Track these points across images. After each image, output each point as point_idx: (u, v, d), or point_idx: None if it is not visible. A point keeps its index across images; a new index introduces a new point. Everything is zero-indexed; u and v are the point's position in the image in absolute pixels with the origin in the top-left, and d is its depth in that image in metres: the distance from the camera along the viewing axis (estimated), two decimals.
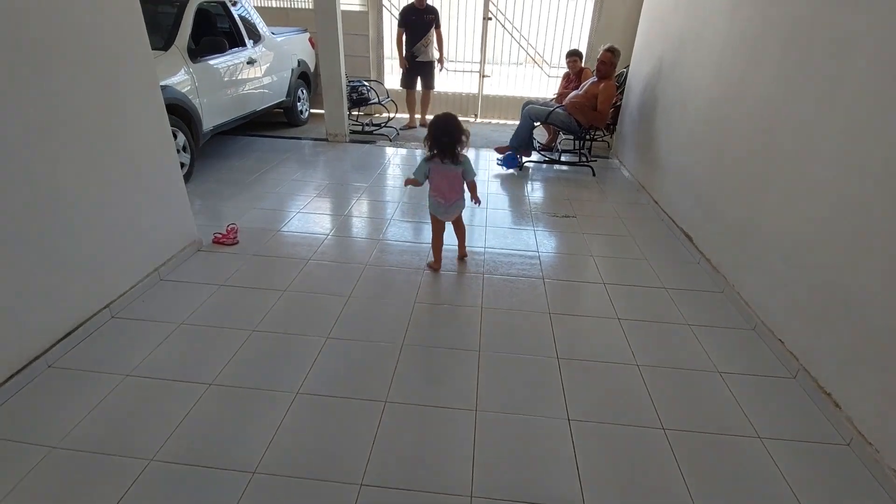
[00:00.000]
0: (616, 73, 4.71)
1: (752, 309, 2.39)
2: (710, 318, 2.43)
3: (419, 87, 5.97)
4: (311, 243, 3.00)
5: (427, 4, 5.53)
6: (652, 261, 3.00)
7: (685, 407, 1.86)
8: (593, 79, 4.54)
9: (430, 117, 6.26)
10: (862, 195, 1.76)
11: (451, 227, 2.82)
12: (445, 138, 2.41)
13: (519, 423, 1.75)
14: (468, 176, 2.58)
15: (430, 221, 2.78)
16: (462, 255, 2.88)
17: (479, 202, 2.70)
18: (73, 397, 1.77)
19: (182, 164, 3.54)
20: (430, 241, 2.82)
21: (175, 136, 3.47)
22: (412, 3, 5.53)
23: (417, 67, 5.77)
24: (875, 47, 1.76)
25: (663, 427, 1.76)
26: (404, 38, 5.62)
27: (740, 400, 1.90)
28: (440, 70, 5.98)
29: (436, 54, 5.79)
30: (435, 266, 2.76)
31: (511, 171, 4.71)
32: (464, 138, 2.44)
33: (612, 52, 4.33)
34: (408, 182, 2.59)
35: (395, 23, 6.59)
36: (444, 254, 2.80)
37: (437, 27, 5.66)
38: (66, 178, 1.95)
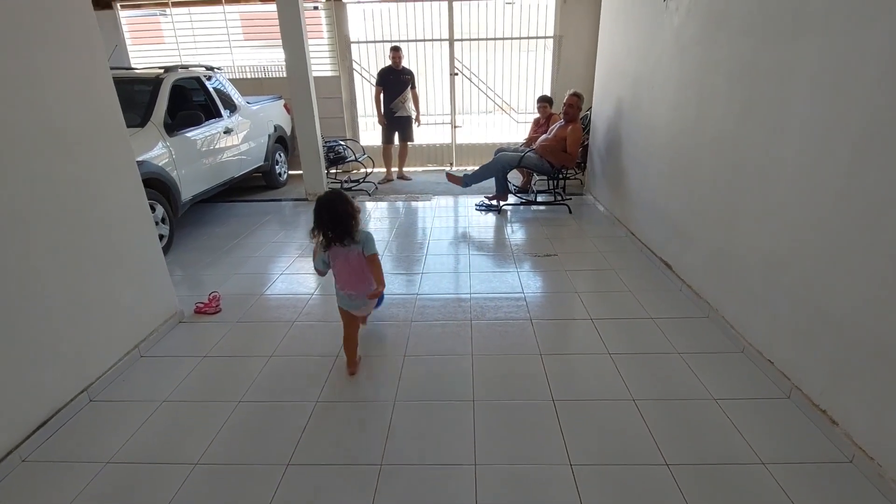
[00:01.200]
0: (581, 115, 4.95)
1: (737, 331, 2.41)
2: (698, 345, 2.44)
3: (397, 141, 6.23)
4: (296, 304, 2.97)
5: (403, 66, 5.96)
6: (636, 292, 3.03)
7: (685, 439, 1.84)
8: (561, 122, 4.76)
9: (407, 170, 6.48)
10: (825, 211, 1.84)
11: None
12: (332, 223, 2.06)
13: (520, 475, 1.70)
14: (367, 251, 2.14)
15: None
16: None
17: (381, 293, 2.23)
18: (50, 493, 1.67)
19: (161, 236, 3.53)
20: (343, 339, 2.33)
21: (153, 209, 3.49)
22: (390, 65, 5.90)
23: (396, 122, 6.07)
24: (812, 72, 1.90)
25: (666, 462, 1.72)
26: (382, 96, 5.94)
27: (739, 426, 1.89)
28: (417, 125, 6.34)
29: (413, 110, 6.15)
30: (351, 370, 2.27)
31: (490, 213, 4.81)
32: (351, 210, 2.10)
33: (577, 97, 4.58)
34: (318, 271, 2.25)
35: (366, 84, 6.89)
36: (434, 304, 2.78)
37: (413, 87, 6.08)
38: (38, 259, 1.92)
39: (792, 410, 1.97)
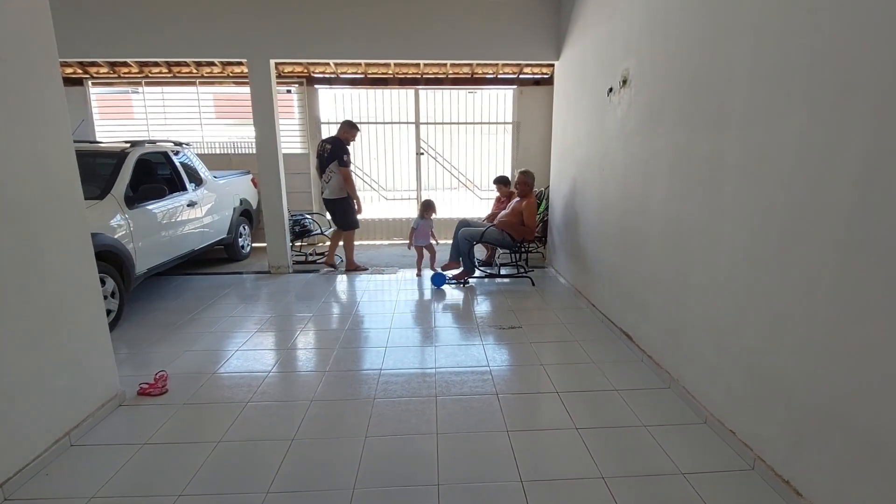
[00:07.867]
0: (536, 192, 5.25)
1: (698, 401, 2.44)
2: (662, 417, 2.44)
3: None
4: (251, 383, 2.81)
5: (331, 135, 5.05)
6: (599, 363, 3.05)
7: None
8: (517, 199, 5.01)
9: (370, 243, 6.49)
10: (764, 282, 1.97)
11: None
12: (425, 210, 5.14)
13: None
14: (430, 227, 5.20)
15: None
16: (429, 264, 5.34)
17: (432, 246, 5.30)
18: None
19: (109, 311, 3.35)
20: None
21: (103, 283, 3.34)
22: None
23: (327, 206, 5.13)
24: (737, 158, 2.12)
25: None
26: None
27: (707, 501, 1.85)
28: (358, 211, 5.15)
29: (340, 191, 5.03)
30: (418, 272, 5.29)
31: (449, 285, 4.85)
32: (431, 212, 5.18)
33: (525, 174, 4.91)
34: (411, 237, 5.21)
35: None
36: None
37: (342, 164, 4.88)
38: None
39: (757, 482, 1.95)
